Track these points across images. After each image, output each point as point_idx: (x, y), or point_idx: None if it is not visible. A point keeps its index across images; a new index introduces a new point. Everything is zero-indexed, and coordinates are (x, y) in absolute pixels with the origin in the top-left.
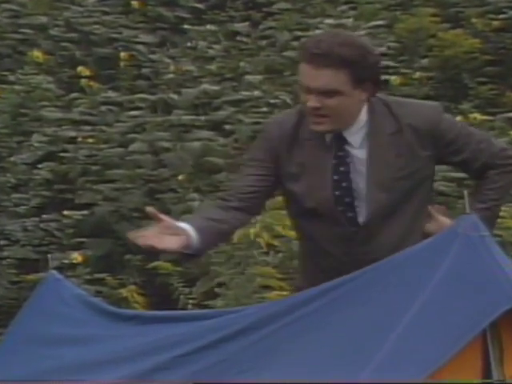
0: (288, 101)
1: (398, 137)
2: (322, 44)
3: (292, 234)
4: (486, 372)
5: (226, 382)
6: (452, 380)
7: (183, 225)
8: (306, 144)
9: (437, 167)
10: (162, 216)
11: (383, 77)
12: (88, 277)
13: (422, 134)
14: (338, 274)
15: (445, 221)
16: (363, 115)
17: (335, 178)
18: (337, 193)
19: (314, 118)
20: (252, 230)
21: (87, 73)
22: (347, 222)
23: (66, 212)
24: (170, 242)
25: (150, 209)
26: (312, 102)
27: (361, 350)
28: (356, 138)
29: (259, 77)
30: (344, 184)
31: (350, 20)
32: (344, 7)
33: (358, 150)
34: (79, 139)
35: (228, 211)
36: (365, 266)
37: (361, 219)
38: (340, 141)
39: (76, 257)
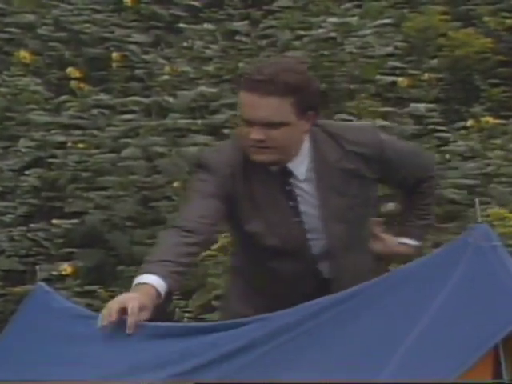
0: None
1: (343, 163)
2: (265, 70)
3: None
4: None
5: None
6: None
7: (150, 278)
8: (254, 179)
9: (446, 174)
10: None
11: (390, 78)
12: (78, 289)
13: (368, 159)
14: (287, 301)
15: (389, 239)
16: (305, 145)
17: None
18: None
19: (255, 149)
20: None
21: (77, 74)
22: (307, 257)
23: (54, 221)
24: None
25: None
26: (255, 134)
27: (365, 369)
28: (301, 169)
29: None
30: (295, 219)
31: (355, 18)
32: (348, 5)
33: (303, 183)
34: (69, 144)
35: (190, 247)
36: (324, 293)
37: (315, 252)
38: (285, 174)
39: (65, 268)
